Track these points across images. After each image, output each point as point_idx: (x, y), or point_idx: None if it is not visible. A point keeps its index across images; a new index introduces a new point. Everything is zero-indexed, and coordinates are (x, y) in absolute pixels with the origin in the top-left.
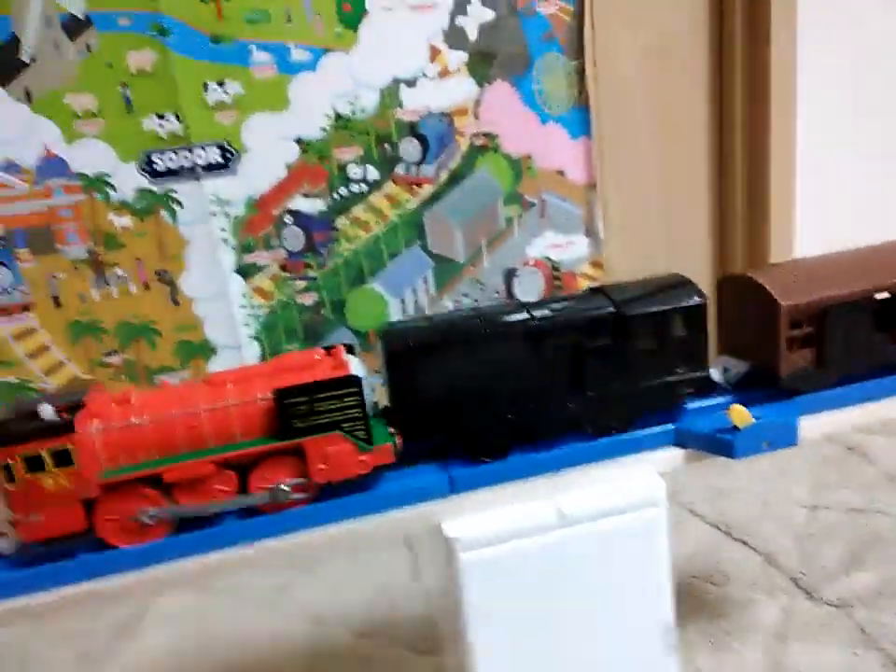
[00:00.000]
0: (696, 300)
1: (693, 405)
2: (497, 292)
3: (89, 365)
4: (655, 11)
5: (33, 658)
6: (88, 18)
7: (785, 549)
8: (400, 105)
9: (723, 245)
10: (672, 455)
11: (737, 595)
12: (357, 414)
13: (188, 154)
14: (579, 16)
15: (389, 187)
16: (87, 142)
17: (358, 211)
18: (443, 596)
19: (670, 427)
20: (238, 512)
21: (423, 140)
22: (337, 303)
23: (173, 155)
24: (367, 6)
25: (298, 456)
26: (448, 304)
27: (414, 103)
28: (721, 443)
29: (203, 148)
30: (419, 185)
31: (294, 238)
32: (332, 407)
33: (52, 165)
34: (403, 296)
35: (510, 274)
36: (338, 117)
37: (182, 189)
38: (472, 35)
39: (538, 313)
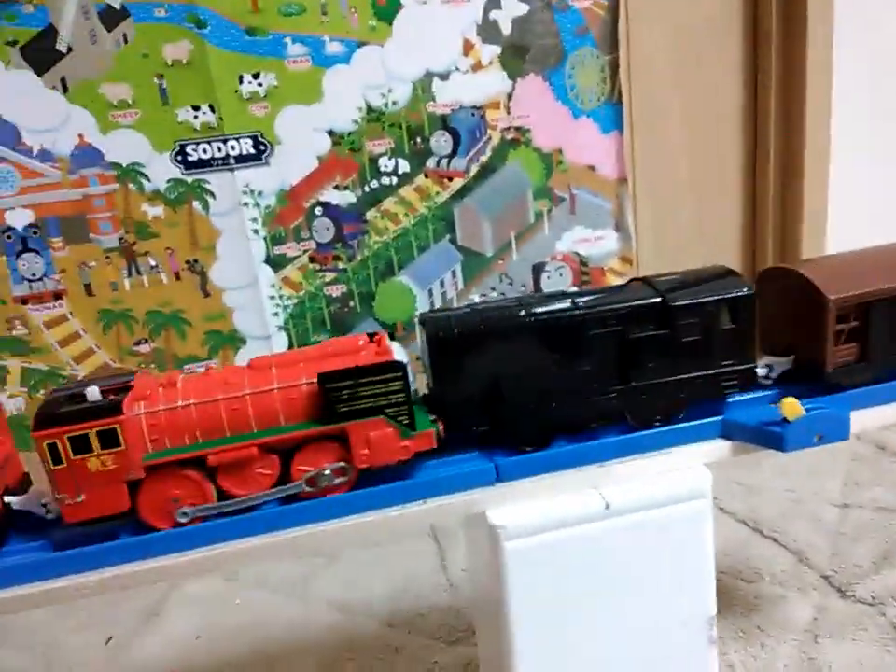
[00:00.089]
0: (745, 290)
1: (734, 399)
2: (524, 286)
3: (118, 353)
4: (689, 5)
5: (59, 643)
6: (124, 8)
7: (816, 547)
8: (433, 99)
9: (755, 242)
10: (716, 448)
11: (768, 592)
12: (400, 399)
13: (221, 145)
14: (613, 10)
15: (420, 180)
16: (121, 132)
17: (389, 204)
18: (477, 586)
19: (718, 418)
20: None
21: (454, 133)
22: (365, 295)
23: (206, 146)
24: None
25: (340, 442)
26: (475, 298)
27: (447, 96)
28: (771, 436)
29: (236, 140)
30: (450, 178)
31: (324, 230)
32: (376, 392)
33: (87, 154)
34: (431, 289)
35: (538, 269)
36: (370, 109)
37: (214, 180)
38: (506, 28)
39: (581, 302)
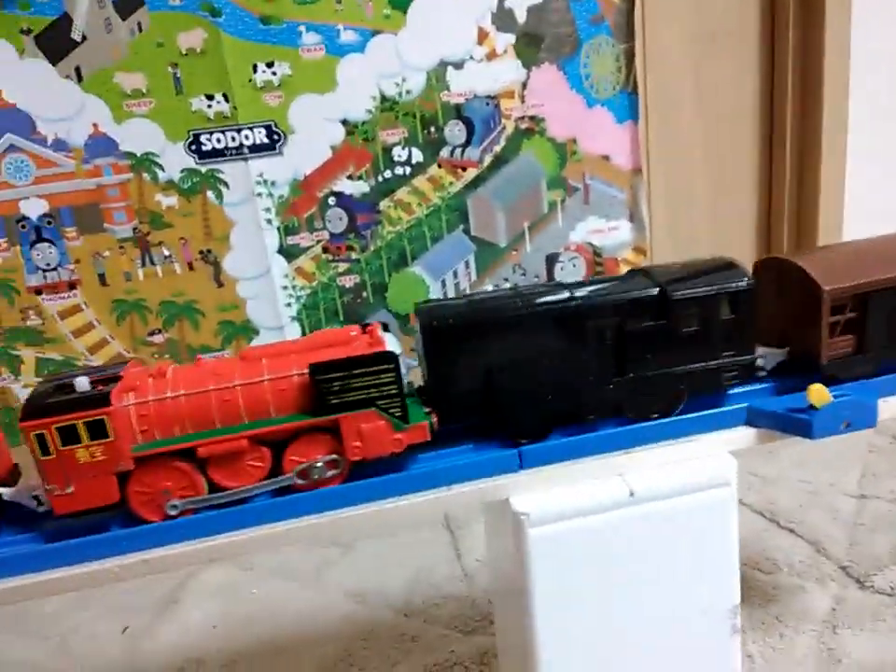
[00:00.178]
0: (745, 283)
1: (733, 390)
2: (538, 277)
3: (132, 343)
4: None
5: (76, 632)
6: None
7: (834, 538)
8: (447, 88)
9: (770, 233)
10: (741, 435)
11: (787, 583)
12: (392, 391)
13: (235, 135)
14: None
15: (433, 169)
16: (136, 121)
17: (402, 193)
18: (498, 574)
19: (743, 405)
20: (271, 490)
21: (468, 123)
22: (378, 286)
23: (220, 135)
24: None
25: (332, 434)
26: (488, 289)
27: (461, 85)
28: (799, 423)
29: (250, 129)
30: (463, 168)
31: (337, 220)
32: (368, 384)
33: (101, 144)
34: (444, 280)
35: (551, 260)
36: (384, 98)
37: (228, 170)
38: (521, 17)
39: (579, 293)
